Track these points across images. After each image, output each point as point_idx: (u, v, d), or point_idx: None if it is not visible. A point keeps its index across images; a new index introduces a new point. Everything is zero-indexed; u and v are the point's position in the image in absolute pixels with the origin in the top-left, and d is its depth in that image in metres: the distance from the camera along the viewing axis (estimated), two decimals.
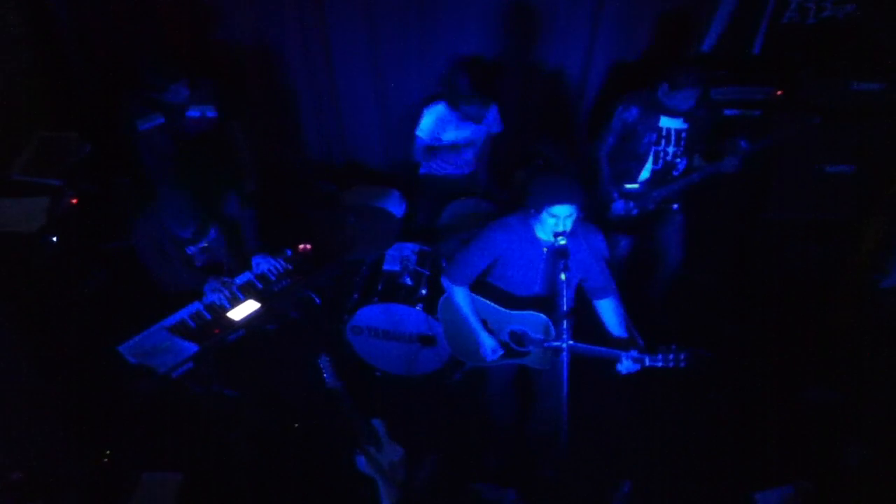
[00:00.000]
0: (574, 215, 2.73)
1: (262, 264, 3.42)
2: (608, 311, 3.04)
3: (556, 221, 2.72)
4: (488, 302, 3.10)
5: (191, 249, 3.45)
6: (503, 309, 3.08)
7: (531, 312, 3.02)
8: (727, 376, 3.93)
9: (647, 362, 2.89)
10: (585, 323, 3.09)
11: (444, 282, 3.11)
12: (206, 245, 3.48)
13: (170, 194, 3.21)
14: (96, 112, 4.36)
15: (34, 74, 4.17)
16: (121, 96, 3.82)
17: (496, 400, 3.55)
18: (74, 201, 3.79)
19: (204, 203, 3.31)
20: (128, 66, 4.16)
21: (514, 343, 3.16)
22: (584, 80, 4.59)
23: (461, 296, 3.07)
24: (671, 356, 2.87)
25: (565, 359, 2.82)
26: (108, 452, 3.42)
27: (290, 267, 3.45)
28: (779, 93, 4.16)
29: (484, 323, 3.13)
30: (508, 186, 4.51)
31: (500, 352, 3.14)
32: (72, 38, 4.27)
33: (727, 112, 4.13)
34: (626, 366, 2.92)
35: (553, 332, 3.00)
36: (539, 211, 2.74)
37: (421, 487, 3.50)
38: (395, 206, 4.33)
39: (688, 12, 4.20)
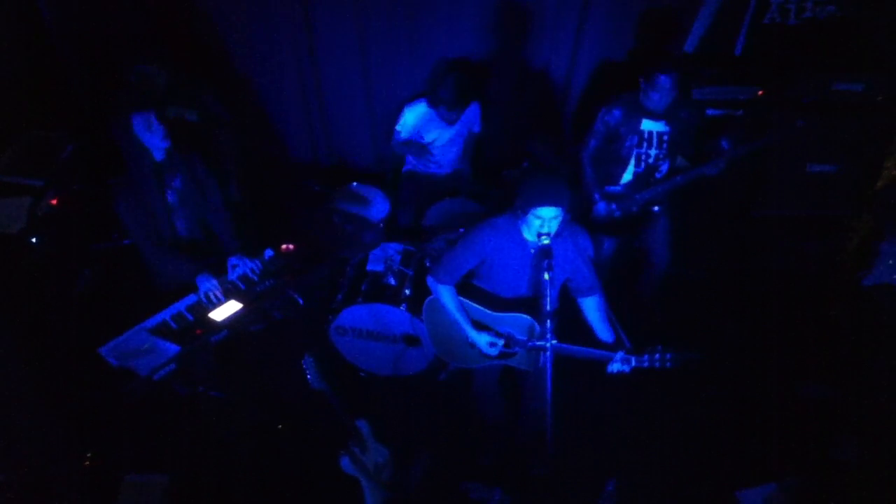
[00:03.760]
0: (560, 217, 2.74)
1: (239, 266, 3.40)
2: (593, 310, 3.06)
3: (540, 223, 2.72)
4: (474, 304, 3.10)
5: (171, 197, 3.36)
6: (489, 311, 3.08)
7: (517, 314, 3.02)
8: (723, 373, 3.94)
9: (634, 363, 2.92)
10: (574, 325, 3.11)
11: (430, 281, 3.10)
12: (181, 189, 3.38)
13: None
14: (87, 110, 4.33)
15: (24, 73, 4.13)
16: (115, 93, 3.81)
17: (483, 400, 3.56)
18: (54, 202, 3.75)
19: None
20: (117, 62, 4.16)
21: (502, 345, 3.17)
22: (570, 80, 4.60)
23: (447, 295, 3.07)
24: (657, 356, 2.90)
25: (549, 358, 2.83)
26: (89, 455, 3.40)
27: (270, 268, 3.43)
28: (760, 93, 4.19)
29: (472, 323, 3.13)
30: (497, 186, 4.51)
31: (499, 344, 3.11)
32: (62, 37, 4.24)
33: (710, 112, 4.15)
34: (615, 367, 2.95)
35: (538, 333, 3.01)
36: (525, 212, 2.75)
37: (409, 488, 3.50)
38: (379, 206, 4.32)
39: (671, 13, 4.23)
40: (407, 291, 3.79)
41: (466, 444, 3.74)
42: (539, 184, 2.75)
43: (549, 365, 2.83)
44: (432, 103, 4.11)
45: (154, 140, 3.19)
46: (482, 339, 3.09)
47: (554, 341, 2.83)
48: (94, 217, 4.09)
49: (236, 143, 4.18)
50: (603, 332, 3.05)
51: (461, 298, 3.10)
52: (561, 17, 4.30)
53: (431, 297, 3.20)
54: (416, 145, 4.31)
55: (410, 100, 4.25)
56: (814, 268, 4.46)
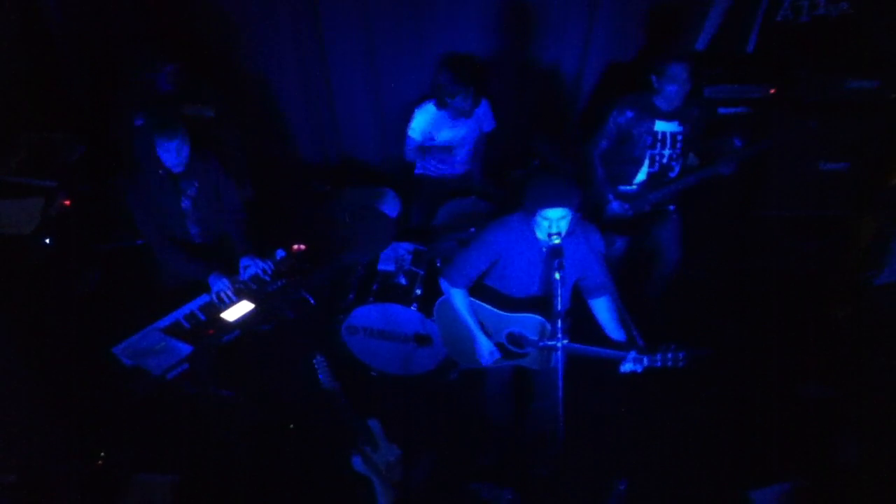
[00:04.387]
0: (568, 217, 2.73)
1: (251, 267, 3.41)
2: (604, 309, 3.04)
3: (549, 223, 2.71)
4: (485, 305, 3.10)
5: (185, 203, 3.40)
6: (500, 311, 3.07)
7: (528, 314, 3.02)
8: (725, 373, 3.93)
9: (647, 362, 2.91)
10: (588, 324, 3.10)
11: (443, 284, 3.09)
12: (195, 196, 3.42)
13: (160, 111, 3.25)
14: (92, 111, 4.35)
15: (29, 75, 4.15)
16: (118, 93, 3.80)
17: (493, 400, 3.56)
18: (67, 203, 3.77)
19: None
20: (123, 62, 4.17)
21: (512, 345, 3.16)
22: (579, 80, 4.58)
23: (460, 299, 3.06)
24: (670, 355, 2.88)
25: (560, 358, 2.82)
26: (102, 454, 3.42)
27: (282, 268, 3.44)
28: (772, 91, 4.16)
29: (481, 325, 3.13)
30: (504, 185, 4.51)
31: (497, 356, 3.14)
32: (66, 37, 4.25)
33: (721, 110, 4.13)
34: (628, 366, 2.93)
35: (549, 333, 3.00)
36: (533, 213, 2.74)
37: (418, 487, 3.50)
38: (390, 206, 4.33)
39: (682, 11, 4.21)
40: (418, 291, 3.79)
41: (476, 444, 3.74)
42: (545, 185, 2.74)
43: (560, 365, 2.83)
44: (440, 103, 4.10)
45: (173, 161, 3.23)
46: (485, 348, 3.11)
47: (565, 341, 2.82)
48: (101, 217, 4.12)
49: (246, 141, 4.19)
50: (615, 331, 3.03)
51: (473, 299, 3.10)
52: (570, 16, 4.28)
53: (443, 297, 3.20)
54: (432, 150, 4.29)
55: (418, 102, 4.25)
56: (815, 267, 4.44)
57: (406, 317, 3.75)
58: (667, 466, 3.56)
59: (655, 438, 3.70)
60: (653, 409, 3.82)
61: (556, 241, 2.72)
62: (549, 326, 2.98)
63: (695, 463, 3.56)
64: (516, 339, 3.13)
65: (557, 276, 2.70)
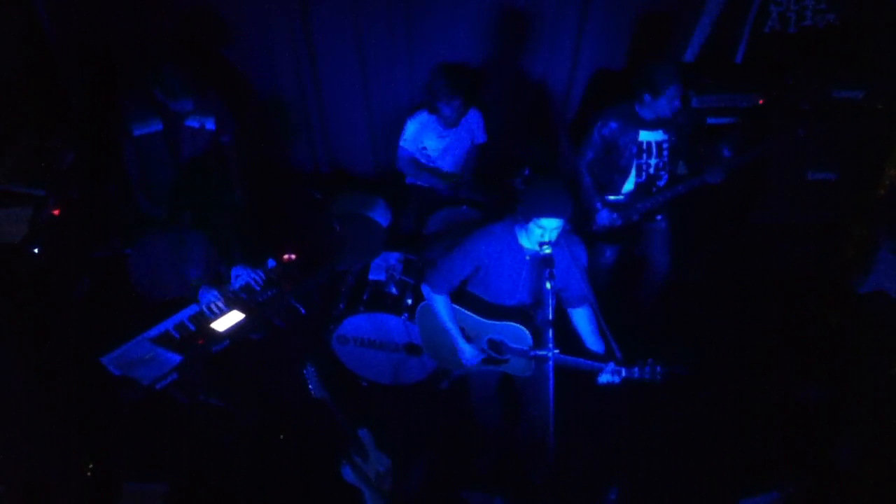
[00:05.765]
0: (560, 227, 2.74)
1: (242, 276, 3.40)
2: (584, 321, 3.06)
3: (542, 232, 2.72)
4: (466, 311, 3.11)
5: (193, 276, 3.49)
6: (481, 318, 3.09)
7: (509, 323, 3.03)
8: (722, 375, 3.95)
9: (625, 374, 2.93)
10: (563, 335, 3.09)
11: (425, 289, 3.09)
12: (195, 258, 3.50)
13: (189, 241, 3.44)
14: (87, 116, 4.33)
15: (22, 78, 4.12)
16: (119, 97, 3.77)
17: (481, 406, 3.56)
18: (56, 212, 3.74)
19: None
20: (123, 68, 4.17)
21: (493, 351, 3.18)
22: (569, 88, 4.61)
23: (441, 304, 3.07)
24: (647, 369, 2.91)
25: (551, 367, 2.82)
26: (90, 466, 3.39)
27: (272, 277, 3.43)
28: (761, 101, 4.20)
29: (462, 331, 3.13)
30: (500, 193, 4.52)
31: (480, 357, 3.15)
32: (62, 42, 4.22)
33: (710, 120, 4.16)
34: (605, 377, 2.96)
35: (531, 343, 3.02)
36: (527, 220, 2.75)
37: (410, 496, 3.49)
38: (381, 215, 4.32)
39: (671, 22, 4.24)
40: (409, 300, 3.79)
41: (467, 452, 3.73)
42: (543, 193, 2.74)
43: (551, 374, 2.82)
44: (432, 109, 4.12)
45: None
46: (468, 352, 3.13)
47: (556, 350, 2.82)
48: (93, 225, 4.10)
49: (241, 148, 4.17)
50: (594, 343, 3.05)
51: (454, 305, 3.11)
52: (560, 24, 4.30)
53: (424, 302, 3.20)
54: (425, 169, 4.32)
55: (411, 112, 4.25)
56: (812, 270, 4.47)
57: (396, 326, 3.75)
58: (661, 472, 3.57)
59: (651, 443, 3.71)
60: (650, 412, 3.82)
61: (547, 250, 2.73)
62: (528, 336, 3.01)
63: (689, 468, 3.58)
64: (497, 346, 3.15)
65: (549, 285, 2.70)
